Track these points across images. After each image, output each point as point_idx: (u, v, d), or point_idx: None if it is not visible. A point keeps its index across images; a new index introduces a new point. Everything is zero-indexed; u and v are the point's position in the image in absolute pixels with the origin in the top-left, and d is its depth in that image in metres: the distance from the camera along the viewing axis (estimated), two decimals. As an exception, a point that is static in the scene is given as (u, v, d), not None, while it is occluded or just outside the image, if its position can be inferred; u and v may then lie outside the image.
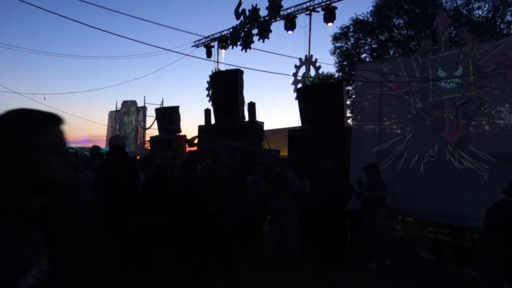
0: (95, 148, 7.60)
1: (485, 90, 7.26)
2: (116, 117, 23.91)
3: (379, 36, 24.64)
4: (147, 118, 21.68)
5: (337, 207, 6.72)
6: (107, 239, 5.04)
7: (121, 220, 4.83)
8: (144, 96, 27.19)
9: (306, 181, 7.75)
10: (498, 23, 21.75)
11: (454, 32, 12.31)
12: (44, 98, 22.04)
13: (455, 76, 7.72)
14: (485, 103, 7.30)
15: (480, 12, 22.07)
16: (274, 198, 7.09)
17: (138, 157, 13.21)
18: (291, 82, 15.69)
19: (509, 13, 21.51)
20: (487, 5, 21.77)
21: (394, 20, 23.96)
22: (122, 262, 5.02)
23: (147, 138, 20.93)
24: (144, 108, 21.85)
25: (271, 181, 7.22)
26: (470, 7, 22.03)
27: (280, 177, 7.13)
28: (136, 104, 22.34)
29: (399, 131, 8.82)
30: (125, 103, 23.17)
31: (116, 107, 24.04)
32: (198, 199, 5.82)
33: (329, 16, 14.21)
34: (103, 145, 24.42)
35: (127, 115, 22.73)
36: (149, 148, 19.81)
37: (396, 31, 24.31)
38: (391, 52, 23.93)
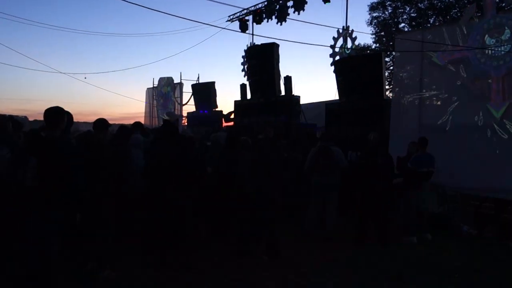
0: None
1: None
2: (154, 93, 24.26)
3: (418, 4, 23.76)
4: (184, 94, 21.91)
5: (384, 181, 6.56)
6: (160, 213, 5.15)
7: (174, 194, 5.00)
8: (180, 72, 27.52)
9: (347, 155, 7.55)
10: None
11: (500, -3, 11.71)
12: (85, 78, 22.64)
13: (501, 45, 7.38)
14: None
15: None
16: (319, 175, 6.82)
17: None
18: (329, 55, 15.40)
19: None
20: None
21: (435, -14, 23.01)
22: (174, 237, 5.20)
23: (184, 114, 21.20)
24: (180, 84, 22.06)
25: (316, 156, 6.91)
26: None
27: (327, 153, 6.84)
28: (173, 80, 22.56)
29: (439, 102, 8.57)
30: (161, 79, 23.45)
31: (154, 84, 24.37)
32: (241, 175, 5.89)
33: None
34: (142, 121, 25.03)
35: (164, 91, 23.01)
36: (186, 124, 20.07)
37: (437, -2, 23.36)
38: (431, 20, 23.05)
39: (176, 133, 5.49)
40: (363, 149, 7.05)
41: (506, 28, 7.35)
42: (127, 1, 6.16)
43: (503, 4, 11.16)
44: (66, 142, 3.90)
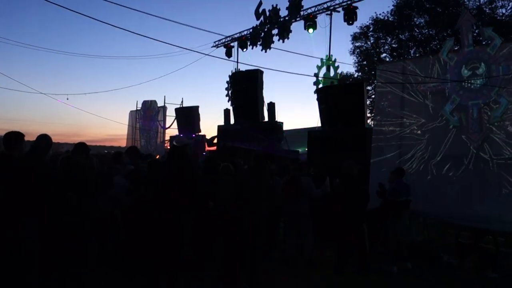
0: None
1: (509, 92, 7.14)
2: (137, 116, 24.20)
3: (400, 36, 24.40)
4: (167, 117, 21.90)
5: (355, 210, 6.61)
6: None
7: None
8: (164, 96, 27.51)
9: (325, 181, 7.62)
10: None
11: (477, 31, 12.11)
12: (67, 98, 22.48)
13: (479, 77, 7.61)
14: (510, 104, 7.17)
15: (504, 11, 21.66)
16: (289, 203, 7.00)
17: (157, 156, 13.35)
18: (313, 83, 15.64)
19: (534, 11, 21.07)
20: (511, 3, 21.36)
21: (415, 19, 23.70)
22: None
23: (167, 137, 21.16)
24: (164, 108, 22.08)
25: (286, 185, 7.11)
26: (493, 5, 21.62)
27: (295, 182, 7.03)
28: (156, 104, 22.56)
29: (419, 132, 8.73)
30: (145, 102, 23.43)
31: (137, 107, 24.32)
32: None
33: (350, 16, 14.11)
34: (123, 143, 24.82)
35: (147, 115, 22.97)
36: (168, 147, 19.99)
37: (417, 31, 24.05)
38: (412, 52, 23.67)
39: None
40: (340, 177, 7.12)
41: (482, 61, 7.58)
42: (112, 25, 6.21)
43: (480, 38, 11.52)
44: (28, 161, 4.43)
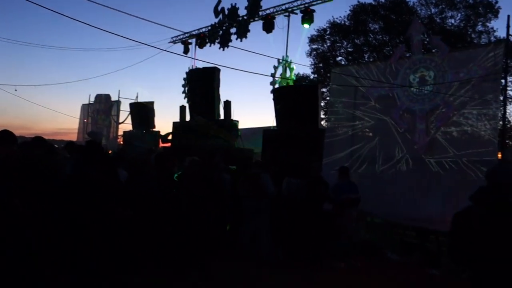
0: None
1: (454, 98, 7.52)
2: (89, 110, 23.55)
3: (355, 40, 25.04)
4: (121, 112, 21.44)
5: (317, 209, 6.82)
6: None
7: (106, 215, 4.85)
8: (119, 90, 26.83)
9: (284, 180, 7.78)
10: (469, 33, 22.42)
11: (427, 39, 12.62)
12: (16, 90, 21.53)
13: (427, 84, 7.96)
14: (454, 110, 7.55)
15: (453, 21, 22.72)
16: (249, 199, 7.09)
17: (110, 152, 13.07)
18: (269, 83, 15.78)
19: (480, 23, 22.21)
20: (459, 15, 22.43)
21: (370, 25, 24.40)
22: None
23: (120, 132, 20.72)
24: (118, 102, 21.60)
25: (245, 182, 7.22)
26: (443, 15, 22.64)
27: (256, 179, 7.12)
28: (110, 98, 22.04)
29: (371, 134, 9.03)
30: (98, 96, 22.84)
31: (89, 100, 23.67)
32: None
33: (307, 18, 14.34)
34: (74, 137, 24.08)
35: (100, 109, 22.39)
36: (121, 143, 19.60)
37: (372, 36, 24.77)
38: (366, 56, 24.35)
39: (103, 156, 5.35)
40: (305, 177, 7.29)
41: (430, 68, 7.94)
42: (67, 16, 6.02)
43: (430, 46, 12.03)
44: None
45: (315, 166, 7.16)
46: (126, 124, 20.61)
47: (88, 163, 5.00)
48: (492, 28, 21.92)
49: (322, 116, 17.10)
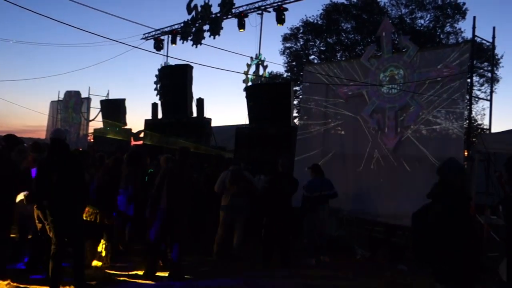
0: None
1: (423, 97, 7.69)
2: (58, 107, 23.01)
3: (328, 39, 25.26)
4: (91, 109, 21.03)
5: (287, 206, 6.85)
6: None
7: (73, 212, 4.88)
8: (89, 87, 26.31)
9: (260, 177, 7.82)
10: (438, 33, 22.94)
11: (397, 39, 12.86)
12: (-20, 85, 20.82)
13: (396, 83, 8.12)
14: (423, 109, 7.73)
15: (422, 22, 23.19)
16: (231, 197, 7.00)
17: (80, 149, 12.84)
18: (242, 80, 15.77)
19: (448, 24, 22.76)
20: (429, 16, 22.91)
21: (342, 24, 24.65)
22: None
23: (91, 130, 20.34)
24: (88, 99, 21.17)
25: (232, 180, 7.05)
26: (413, 16, 23.08)
27: (239, 176, 7.05)
28: (80, 94, 21.59)
29: (343, 132, 9.15)
30: (68, 93, 22.34)
31: (59, 97, 23.13)
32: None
33: (280, 17, 14.39)
34: (43, 135, 23.51)
35: (70, 106, 21.89)
36: (92, 140, 19.26)
37: (344, 35, 25.04)
38: (338, 55, 24.60)
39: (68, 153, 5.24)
40: (271, 173, 7.30)
41: (400, 67, 8.11)
42: (35, 12, 5.88)
43: (399, 45, 12.26)
44: None
45: (282, 162, 7.08)
46: (96, 122, 20.26)
47: (52, 164, 4.90)
48: (459, 29, 22.50)
49: (295, 114, 17.20)
